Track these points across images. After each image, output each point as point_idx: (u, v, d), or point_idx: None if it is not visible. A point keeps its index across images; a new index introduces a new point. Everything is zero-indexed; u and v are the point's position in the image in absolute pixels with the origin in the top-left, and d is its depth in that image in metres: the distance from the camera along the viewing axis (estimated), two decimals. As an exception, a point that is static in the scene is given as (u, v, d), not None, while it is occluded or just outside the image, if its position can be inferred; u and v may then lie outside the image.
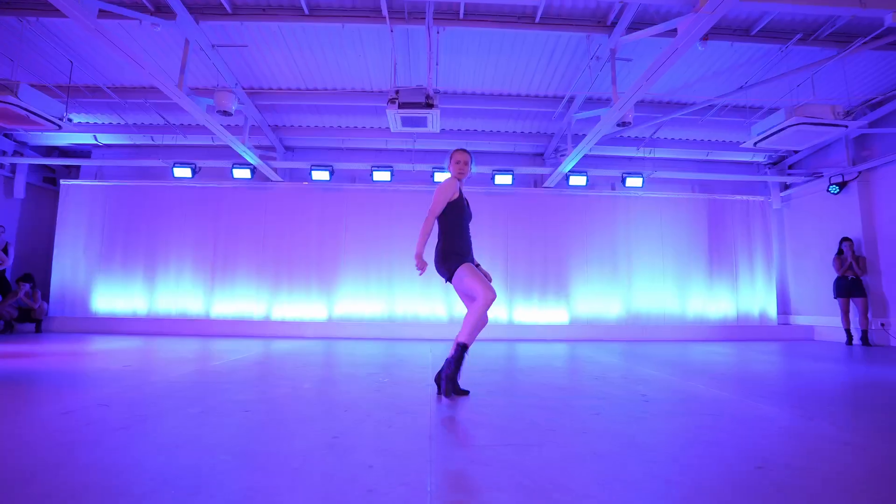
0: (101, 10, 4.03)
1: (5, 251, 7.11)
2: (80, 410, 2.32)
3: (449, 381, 2.81)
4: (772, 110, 7.06)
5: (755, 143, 6.04)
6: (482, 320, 2.84)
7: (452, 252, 2.98)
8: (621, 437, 2.02)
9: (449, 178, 3.08)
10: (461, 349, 2.81)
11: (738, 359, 5.17)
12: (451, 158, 3.14)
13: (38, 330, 7.24)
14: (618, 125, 5.91)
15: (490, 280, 3.09)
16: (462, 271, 2.91)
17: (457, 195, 3.05)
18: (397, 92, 5.09)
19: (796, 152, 8.42)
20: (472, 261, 3.08)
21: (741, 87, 6.32)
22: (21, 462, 1.59)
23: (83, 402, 2.53)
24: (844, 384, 3.56)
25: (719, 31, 5.41)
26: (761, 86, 6.09)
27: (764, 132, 5.75)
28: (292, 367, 4.06)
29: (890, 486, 1.48)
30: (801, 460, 1.72)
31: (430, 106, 5.07)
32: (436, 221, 3.04)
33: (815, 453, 1.80)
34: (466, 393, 2.89)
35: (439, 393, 2.87)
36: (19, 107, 5.13)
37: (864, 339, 6.85)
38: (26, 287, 7.10)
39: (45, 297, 7.98)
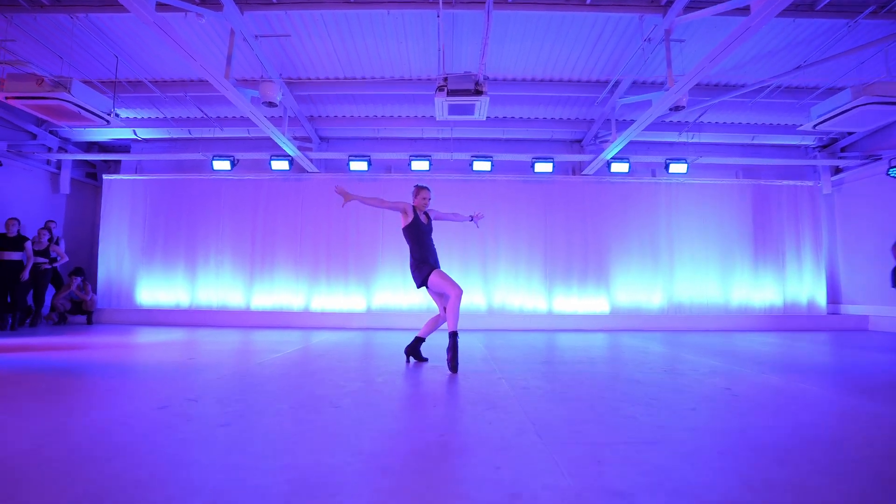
0: (158, 4, 4.02)
1: (57, 244, 7.28)
2: (173, 405, 2.34)
3: (454, 360, 3.44)
4: (830, 90, 6.73)
5: (815, 126, 5.77)
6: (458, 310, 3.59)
7: (423, 262, 3.70)
8: (733, 434, 1.94)
9: (406, 210, 3.78)
10: (454, 336, 3.49)
11: (799, 350, 4.99)
12: (416, 194, 3.85)
13: (90, 322, 7.43)
14: (670, 109, 5.70)
15: None
16: (434, 277, 3.61)
17: (409, 220, 3.77)
18: (445, 79, 4.98)
19: (850, 134, 8.04)
20: (439, 266, 3.79)
21: (799, 67, 6.03)
22: (151, 458, 1.58)
23: (170, 395, 2.55)
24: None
25: (781, 8, 5.14)
26: (822, 64, 5.79)
27: (826, 113, 5.49)
28: (352, 360, 4.06)
29: None
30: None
31: (479, 93, 4.95)
32: (405, 238, 3.84)
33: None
34: (425, 360, 3.95)
35: (407, 361, 3.92)
36: (72, 103, 5.19)
37: (926, 328, 6.57)
38: (78, 280, 7.28)
39: (93, 289, 8.18)
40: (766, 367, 3.80)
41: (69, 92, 5.10)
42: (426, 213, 3.94)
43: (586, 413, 2.29)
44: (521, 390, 2.81)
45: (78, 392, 2.63)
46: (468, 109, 5.26)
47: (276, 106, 5.82)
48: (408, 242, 3.84)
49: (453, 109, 5.28)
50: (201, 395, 2.59)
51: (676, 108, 5.64)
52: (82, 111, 5.42)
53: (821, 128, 5.81)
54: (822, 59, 5.70)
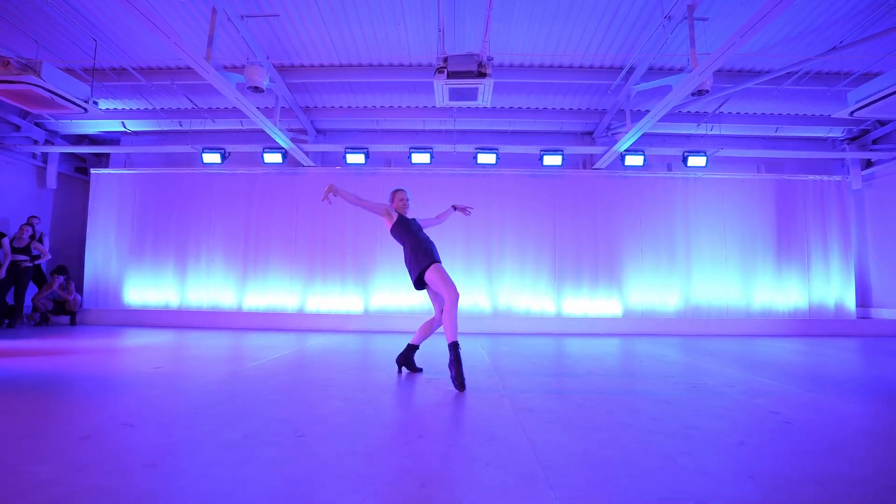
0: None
1: (40, 241, 6.93)
2: (101, 433, 1.91)
3: (459, 377, 2.94)
4: (864, 76, 6.18)
5: (852, 112, 5.25)
6: (455, 315, 3.12)
7: (425, 254, 3.27)
8: (807, 486, 1.47)
9: (389, 211, 3.44)
10: (456, 349, 3.00)
11: (835, 359, 4.48)
12: (393, 198, 3.56)
13: (73, 322, 7.08)
14: (692, 94, 5.21)
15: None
16: (432, 271, 3.19)
17: (394, 220, 3.42)
18: (445, 60, 4.53)
19: (883, 125, 7.49)
20: (439, 260, 3.32)
21: (833, 48, 5.51)
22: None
23: (106, 418, 2.13)
24: None
25: (818, -20, 4.65)
26: (860, 45, 5.26)
27: (865, 98, 4.97)
28: (337, 371, 3.62)
29: None
30: None
31: (482, 75, 4.50)
32: (396, 240, 3.46)
33: None
34: (420, 370, 3.55)
35: (399, 372, 3.52)
36: (43, 88, 4.80)
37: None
38: (60, 279, 6.92)
39: (79, 289, 7.84)
40: (809, 381, 3.31)
41: (38, 76, 4.72)
42: (412, 220, 3.57)
43: (608, 449, 1.83)
44: (527, 413, 2.36)
45: (2, 413, 2.21)
46: (471, 94, 4.81)
47: (263, 91, 5.40)
48: (401, 242, 3.40)
49: (454, 94, 4.83)
50: (143, 417, 2.17)
51: (699, 93, 5.16)
52: (55, 97, 5.03)
53: (858, 114, 5.28)
54: (862, 38, 5.18)
